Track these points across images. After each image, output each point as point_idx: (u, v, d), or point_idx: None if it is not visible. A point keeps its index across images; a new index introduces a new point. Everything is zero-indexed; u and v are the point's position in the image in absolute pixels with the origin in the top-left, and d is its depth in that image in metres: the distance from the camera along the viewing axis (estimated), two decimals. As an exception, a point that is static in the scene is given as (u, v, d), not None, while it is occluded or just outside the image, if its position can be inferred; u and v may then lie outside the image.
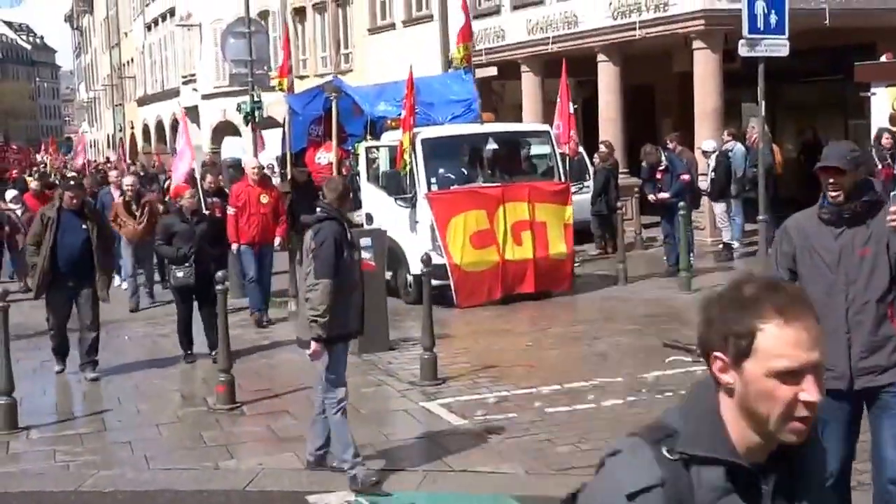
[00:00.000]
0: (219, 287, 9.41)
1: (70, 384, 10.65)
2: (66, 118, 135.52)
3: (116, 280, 14.36)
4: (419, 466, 7.38)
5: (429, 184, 13.78)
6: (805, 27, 16.09)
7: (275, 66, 20.71)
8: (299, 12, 36.54)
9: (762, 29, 13.95)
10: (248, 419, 8.82)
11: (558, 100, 16.33)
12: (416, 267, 12.99)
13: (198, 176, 15.83)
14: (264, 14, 36.55)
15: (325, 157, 16.45)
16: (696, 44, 19.52)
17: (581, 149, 18.45)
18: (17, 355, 9.77)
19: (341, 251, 6.90)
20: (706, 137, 18.17)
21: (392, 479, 7.17)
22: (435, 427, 8.35)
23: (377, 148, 15.48)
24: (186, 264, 10.68)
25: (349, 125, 16.48)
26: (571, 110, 16.59)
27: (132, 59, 61.08)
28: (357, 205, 15.78)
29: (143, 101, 57.55)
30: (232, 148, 28.84)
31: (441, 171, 14.31)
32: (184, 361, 11.05)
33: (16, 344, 9.89)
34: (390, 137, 14.76)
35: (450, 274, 13.38)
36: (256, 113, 19.16)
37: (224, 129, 42.21)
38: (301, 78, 36.30)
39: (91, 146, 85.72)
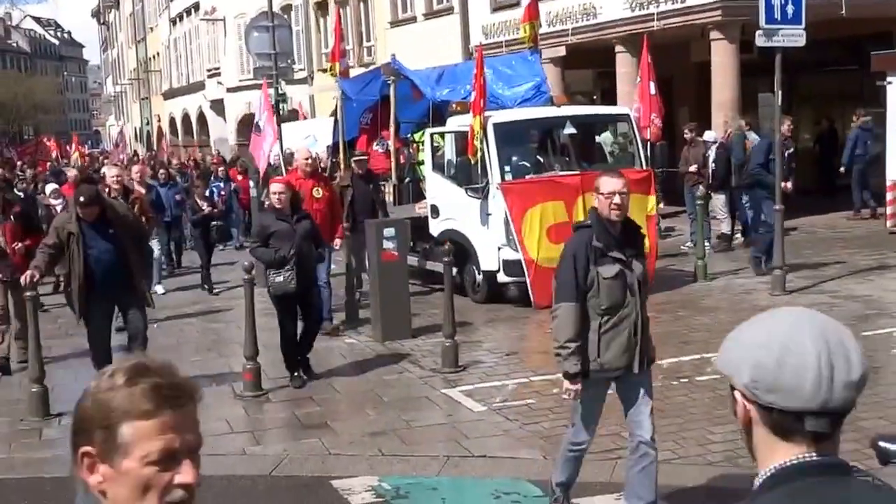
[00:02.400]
0: (245, 277, 9.57)
1: (87, 372, 10.85)
2: (94, 112, 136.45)
3: None
4: (440, 452, 7.53)
5: (502, 172, 12.76)
6: (822, 17, 16.13)
7: (303, 57, 20.97)
8: (321, 6, 36.72)
9: (779, 19, 13.96)
10: (274, 406, 9.02)
11: (638, 80, 15.30)
12: (487, 263, 12.74)
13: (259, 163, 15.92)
14: (287, 8, 36.82)
15: (384, 144, 15.79)
16: (714, 34, 19.58)
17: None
18: (48, 343, 10.03)
19: (587, 267, 5.68)
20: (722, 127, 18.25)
21: (414, 463, 7.37)
22: (456, 413, 8.51)
23: (442, 134, 14.49)
24: (287, 268, 9.31)
25: (403, 111, 15.67)
26: (653, 91, 15.54)
27: (158, 54, 61.48)
28: (417, 196, 15.27)
29: (168, 95, 57.94)
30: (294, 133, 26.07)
31: (514, 158, 13.31)
32: (290, 385, 9.59)
33: (45, 330, 10.11)
34: (456, 123, 13.93)
35: (525, 270, 12.43)
36: (281, 106, 19.39)
37: (249, 122, 42.50)
38: (323, 71, 36.55)
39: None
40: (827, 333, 1.83)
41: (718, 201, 16.79)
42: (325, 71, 36.46)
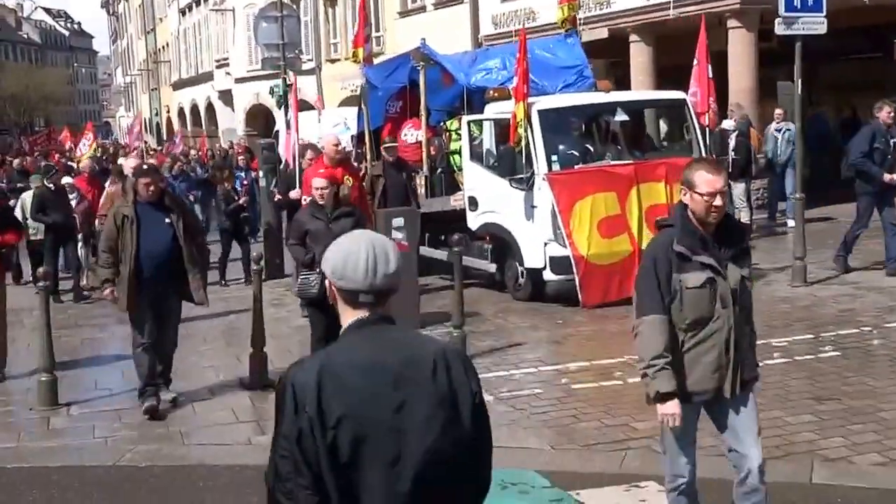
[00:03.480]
0: (254, 268, 9.46)
1: (109, 362, 10.85)
2: (104, 102, 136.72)
3: None
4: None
5: (549, 162, 11.93)
6: (843, 5, 15.99)
7: (311, 48, 20.63)
8: (331, -4, 36.70)
9: (799, 7, 13.86)
10: (281, 396, 8.97)
11: (695, 63, 14.41)
12: (531, 259, 12.05)
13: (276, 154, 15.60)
14: (297, -2, 36.72)
15: (413, 134, 14.79)
16: (731, 23, 19.45)
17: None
18: (58, 332, 10.01)
19: (671, 274, 4.79)
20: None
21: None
22: (463, 404, 8.44)
23: (479, 122, 13.52)
24: (316, 270, 8.39)
25: (432, 99, 14.90)
26: (710, 74, 14.51)
27: (167, 44, 61.57)
28: (450, 187, 14.58)
29: (177, 86, 58.02)
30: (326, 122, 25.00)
31: (561, 147, 12.44)
32: None
33: (56, 320, 10.08)
34: (495, 109, 13.04)
35: (574, 267, 11.62)
36: (289, 96, 19.29)
37: (257, 113, 42.51)
38: (332, 62, 36.54)
39: (128, 130, 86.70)
40: (374, 244, 3.02)
41: (738, 190, 16.70)
42: (332, 61, 36.49)
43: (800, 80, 13.64)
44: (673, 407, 4.82)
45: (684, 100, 13.17)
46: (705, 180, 4.81)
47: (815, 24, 13.72)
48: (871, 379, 8.51)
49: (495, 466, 6.66)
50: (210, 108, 50.77)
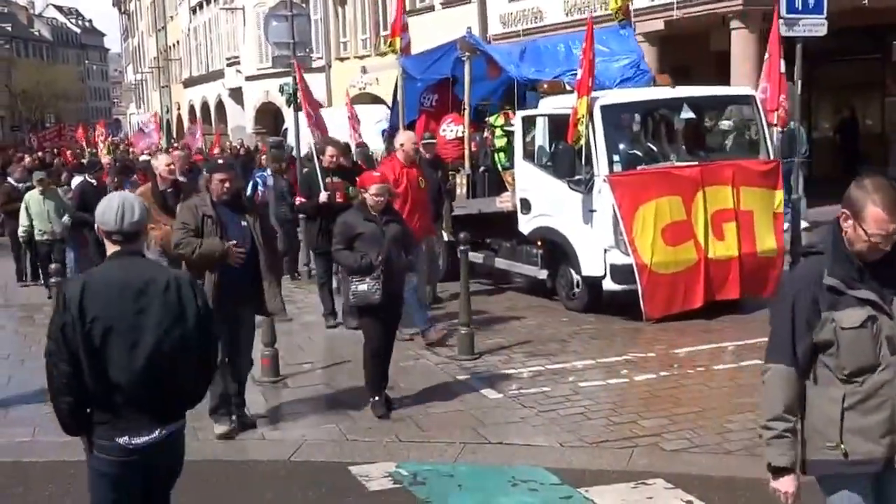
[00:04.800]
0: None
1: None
2: (115, 100, 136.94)
3: None
4: (456, 439, 7.56)
5: (610, 162, 11.09)
6: (843, 7, 16.05)
7: (321, 46, 20.32)
8: (340, -5, 36.80)
9: (800, 8, 13.95)
10: (292, 391, 9.07)
11: (766, 57, 13.56)
12: (590, 267, 11.23)
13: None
14: (306, -3, 36.82)
15: (452, 129, 13.94)
16: (734, 23, 19.50)
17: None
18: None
19: (816, 314, 3.87)
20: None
21: (430, 450, 7.42)
22: (472, 400, 8.54)
23: (532, 118, 12.57)
24: (374, 275, 8.03)
25: (472, 92, 14.06)
26: (782, 69, 13.57)
27: (178, 42, 61.73)
28: (493, 187, 13.81)
29: (188, 83, 58.16)
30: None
31: (623, 146, 11.63)
32: (373, 412, 8.22)
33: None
34: (550, 104, 12.23)
35: (637, 277, 10.80)
36: (299, 94, 19.38)
37: (266, 111, 42.64)
38: (342, 60, 36.64)
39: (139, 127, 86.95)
40: (125, 200, 4.47)
41: None
42: (342, 60, 36.61)
43: (800, 81, 13.70)
44: (787, 484, 3.94)
45: (753, 96, 12.36)
46: (877, 219, 3.79)
47: (817, 25, 13.81)
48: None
49: (506, 464, 6.74)
50: (220, 105, 50.91)
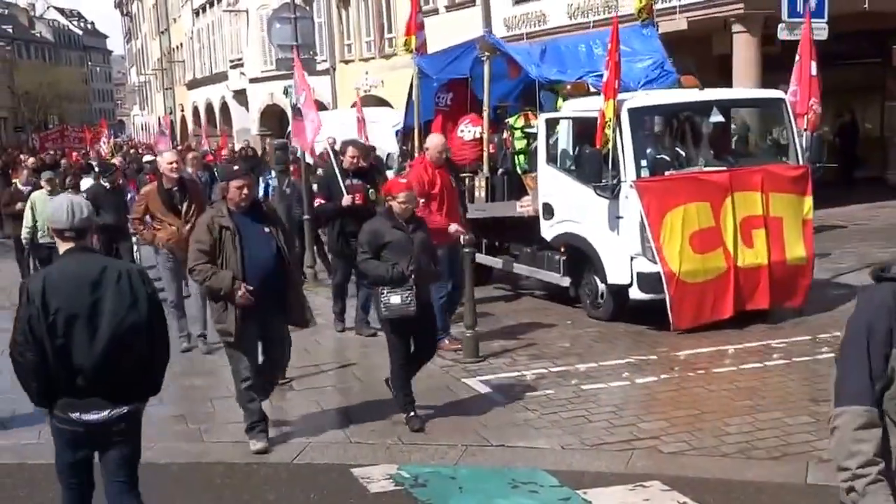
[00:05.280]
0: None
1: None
2: (119, 101, 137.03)
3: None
4: (459, 441, 7.62)
5: (637, 167, 10.74)
6: (844, 10, 16.13)
7: (325, 49, 20.13)
8: (344, -2, 36.89)
9: (801, 12, 14.05)
10: (297, 394, 9.14)
11: (797, 59, 13.14)
12: (615, 275, 10.92)
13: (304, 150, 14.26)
14: (309, 0, 36.88)
15: (470, 130, 13.52)
16: (736, 27, 19.57)
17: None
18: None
19: (891, 349, 3.32)
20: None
21: (432, 452, 7.48)
22: (475, 403, 8.59)
23: (556, 121, 12.11)
24: (406, 286, 7.71)
25: (482, 92, 13.56)
26: (814, 72, 13.18)
27: (181, 44, 61.81)
28: (513, 190, 13.36)
29: (192, 85, 58.25)
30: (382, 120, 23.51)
31: (650, 150, 11.23)
32: (409, 426, 7.96)
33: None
34: (573, 107, 11.88)
35: (665, 286, 10.47)
36: (296, 93, 19.40)
37: (271, 113, 42.71)
38: (346, 62, 36.71)
39: (142, 129, 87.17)
40: (73, 201, 5.01)
41: None
42: (346, 62, 36.68)
43: (801, 85, 13.75)
44: None
45: (782, 99, 11.90)
46: None
47: (818, 29, 13.88)
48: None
49: (507, 466, 6.81)
50: (224, 107, 50.99)
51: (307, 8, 30.08)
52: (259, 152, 31.89)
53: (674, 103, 11.81)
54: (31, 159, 25.73)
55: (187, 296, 11.34)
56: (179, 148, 30.17)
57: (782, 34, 14.03)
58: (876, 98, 22.68)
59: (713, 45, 23.04)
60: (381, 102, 30.81)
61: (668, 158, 11.36)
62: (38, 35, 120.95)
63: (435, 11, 30.34)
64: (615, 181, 10.66)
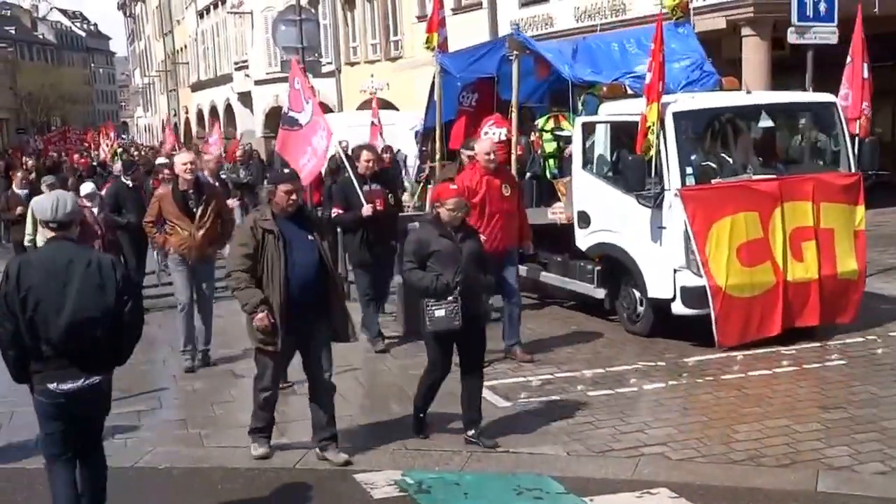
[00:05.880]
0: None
1: (128, 363, 10.82)
2: (122, 103, 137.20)
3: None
4: (463, 447, 7.55)
5: (682, 175, 10.15)
6: (854, 14, 16.03)
7: (331, 51, 19.95)
8: (349, 0, 36.79)
9: (811, 16, 13.97)
10: (300, 399, 8.99)
11: (849, 60, 12.63)
12: (657, 288, 10.37)
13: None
14: (314, 2, 36.92)
15: (495, 132, 12.72)
16: (745, 31, 19.49)
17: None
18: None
19: None
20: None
21: (437, 458, 7.40)
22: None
23: (593, 125, 11.48)
24: (450, 298, 7.32)
25: (507, 92, 13.02)
26: (866, 74, 12.59)
27: (185, 46, 61.85)
28: (542, 196, 12.84)
29: (196, 87, 58.25)
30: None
31: (695, 157, 10.62)
32: (413, 432, 7.82)
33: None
34: (611, 110, 11.25)
35: (710, 300, 9.92)
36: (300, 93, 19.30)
37: (276, 115, 42.67)
38: (351, 65, 36.67)
39: (146, 131, 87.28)
40: (58, 196, 5.82)
41: None
42: (351, 65, 36.64)
43: (811, 89, 13.67)
44: None
45: (834, 103, 11.25)
46: None
47: (828, 33, 13.80)
48: (875, 388, 8.60)
49: (512, 472, 6.73)
50: (229, 109, 50.97)
51: (312, 10, 30.12)
52: (264, 155, 31.72)
53: (721, 107, 11.19)
54: (31, 162, 25.44)
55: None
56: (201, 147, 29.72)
57: (792, 38, 13.93)
58: (887, 102, 22.54)
59: (722, 49, 22.96)
60: (387, 105, 30.75)
61: (714, 166, 10.73)
62: (41, 37, 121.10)
63: (440, 14, 30.26)
64: (658, 189, 10.11)
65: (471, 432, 7.63)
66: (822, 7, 14.26)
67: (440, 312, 7.32)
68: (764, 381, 8.93)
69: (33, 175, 20.13)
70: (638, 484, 6.73)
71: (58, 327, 5.49)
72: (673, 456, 7.20)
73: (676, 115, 10.24)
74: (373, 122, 18.52)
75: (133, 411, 8.90)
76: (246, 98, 46.59)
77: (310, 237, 7.19)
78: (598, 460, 7.22)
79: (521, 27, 24.79)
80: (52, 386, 5.55)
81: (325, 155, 11.60)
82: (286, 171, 7.67)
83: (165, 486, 7.10)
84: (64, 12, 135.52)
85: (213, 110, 54.55)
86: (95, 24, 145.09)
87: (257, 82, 43.86)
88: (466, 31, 27.05)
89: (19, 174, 17.64)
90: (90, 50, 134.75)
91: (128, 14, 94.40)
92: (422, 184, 14.83)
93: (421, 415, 7.81)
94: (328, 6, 37.95)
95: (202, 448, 7.92)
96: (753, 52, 19.45)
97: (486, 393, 8.86)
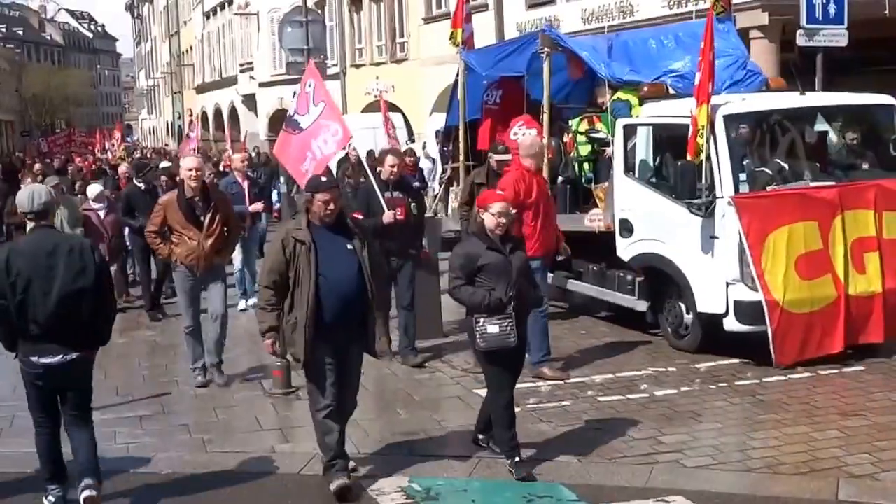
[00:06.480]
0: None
1: (130, 368, 10.82)
2: (126, 105, 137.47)
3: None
4: (472, 453, 7.42)
5: (736, 181, 9.56)
6: (864, 17, 15.87)
7: (336, 53, 20.00)
8: (355, 2, 36.75)
9: (820, 19, 13.86)
10: (303, 404, 8.82)
11: None
12: (707, 302, 9.71)
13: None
14: (321, 3, 36.84)
15: (525, 133, 11.63)
16: (754, 33, 19.34)
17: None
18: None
19: None
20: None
21: (445, 465, 7.27)
22: (488, 414, 8.40)
23: (634, 127, 10.86)
24: (505, 314, 6.87)
25: (535, 90, 12.44)
26: None
27: (191, 48, 61.89)
28: (577, 201, 12.21)
29: (201, 89, 58.26)
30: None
31: (748, 162, 10.01)
32: (513, 474, 6.98)
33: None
34: (654, 111, 10.71)
35: (767, 316, 9.26)
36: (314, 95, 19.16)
37: (280, 117, 42.58)
38: (357, 67, 36.58)
39: (150, 133, 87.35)
40: (34, 189, 6.55)
41: None
42: (357, 67, 36.55)
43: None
44: None
45: (893, 105, 10.58)
46: None
47: (837, 36, 13.67)
48: (895, 394, 8.46)
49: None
50: (233, 112, 50.92)
51: (318, 12, 30.03)
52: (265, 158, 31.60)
53: (775, 109, 10.44)
54: (38, 165, 25.22)
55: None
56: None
57: (801, 41, 13.80)
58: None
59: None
60: (392, 108, 30.65)
61: (769, 172, 10.04)
62: (49, 38, 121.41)
63: (447, 16, 30.14)
64: (709, 197, 9.51)
65: (483, 436, 7.42)
66: (832, 9, 14.15)
67: (493, 329, 6.86)
68: (779, 388, 8.78)
69: (41, 178, 19.88)
70: (652, 492, 6.60)
71: (46, 307, 6.15)
72: (688, 463, 7.07)
73: (728, 118, 9.68)
74: (386, 121, 18.14)
75: (135, 416, 8.81)
76: (250, 100, 46.53)
77: (349, 246, 6.84)
78: (611, 467, 7.08)
79: (528, 29, 24.78)
80: (34, 358, 6.30)
81: (328, 159, 11.02)
82: (324, 179, 7.25)
83: (169, 493, 6.99)
84: (72, 13, 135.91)
85: (218, 113, 54.52)
86: (103, 26, 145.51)
87: (262, 85, 43.79)
88: (473, 33, 26.99)
89: (28, 179, 17.50)
90: (96, 51, 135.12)
91: (135, 15, 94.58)
92: (443, 186, 14.44)
93: (516, 456, 7.04)
94: (334, 8, 37.88)
95: (205, 454, 7.81)
96: (763, 55, 19.25)
97: (495, 398, 8.76)
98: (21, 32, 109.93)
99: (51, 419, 6.59)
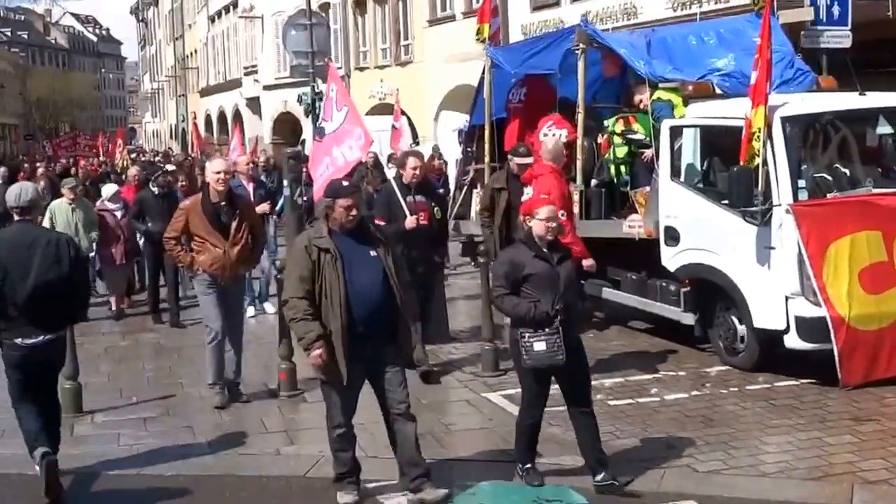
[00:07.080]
0: (277, 276, 8.35)
1: (133, 370, 10.75)
2: (131, 108, 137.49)
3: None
4: (480, 457, 7.37)
5: (794, 188, 8.94)
6: (868, 18, 15.78)
7: (341, 56, 19.90)
8: (360, 4, 36.70)
9: (824, 20, 13.80)
10: (309, 406, 8.83)
11: None
12: (765, 318, 9.02)
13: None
14: (325, 6, 36.82)
15: (556, 133, 11.44)
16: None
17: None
18: (80, 340, 9.90)
19: None
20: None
21: (453, 468, 7.18)
22: (496, 418, 8.31)
23: (679, 129, 10.23)
24: (552, 329, 6.46)
25: (568, 87, 11.82)
26: None
27: (195, 51, 61.86)
28: (613, 205, 11.63)
29: (205, 92, 58.21)
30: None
31: (807, 167, 9.34)
32: (524, 480, 6.85)
33: (78, 327, 9.94)
34: (701, 112, 10.09)
35: (832, 333, 8.61)
36: (317, 104, 19.19)
37: (284, 121, 42.54)
38: (361, 69, 36.53)
39: (154, 136, 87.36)
40: (22, 187, 7.22)
41: None
42: (361, 69, 36.50)
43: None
44: None
45: None
46: None
47: (841, 37, 13.61)
48: (909, 399, 8.39)
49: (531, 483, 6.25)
50: (237, 115, 50.86)
51: (323, 14, 29.94)
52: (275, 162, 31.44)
53: (836, 111, 9.66)
54: (40, 169, 25.08)
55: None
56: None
57: (805, 42, 13.73)
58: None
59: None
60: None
61: (829, 178, 9.37)
62: (54, 41, 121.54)
63: (452, 18, 30.14)
64: (766, 205, 8.88)
65: (599, 476, 6.66)
66: (836, 10, 14.12)
67: (540, 346, 6.43)
68: (791, 392, 8.69)
69: (43, 183, 19.73)
70: (664, 496, 6.52)
71: (23, 292, 6.73)
72: (699, 468, 6.98)
73: (786, 120, 9.05)
74: (394, 126, 18.02)
75: (139, 418, 8.75)
76: (254, 104, 46.48)
77: (372, 253, 6.52)
78: (621, 470, 6.95)
79: (532, 31, 24.72)
80: (18, 340, 6.83)
81: (350, 165, 10.73)
82: (345, 183, 6.94)
83: (172, 495, 6.94)
84: (77, 17, 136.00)
85: (222, 116, 54.48)
86: (108, 29, 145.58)
87: (266, 88, 43.75)
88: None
89: (42, 183, 17.43)
90: (101, 55, 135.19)
91: (140, 19, 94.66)
92: (465, 188, 13.86)
93: (529, 465, 6.88)
94: (339, 11, 37.86)
95: (209, 455, 7.73)
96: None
97: (501, 402, 8.73)
98: (26, 36, 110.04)
99: (31, 400, 7.07)
